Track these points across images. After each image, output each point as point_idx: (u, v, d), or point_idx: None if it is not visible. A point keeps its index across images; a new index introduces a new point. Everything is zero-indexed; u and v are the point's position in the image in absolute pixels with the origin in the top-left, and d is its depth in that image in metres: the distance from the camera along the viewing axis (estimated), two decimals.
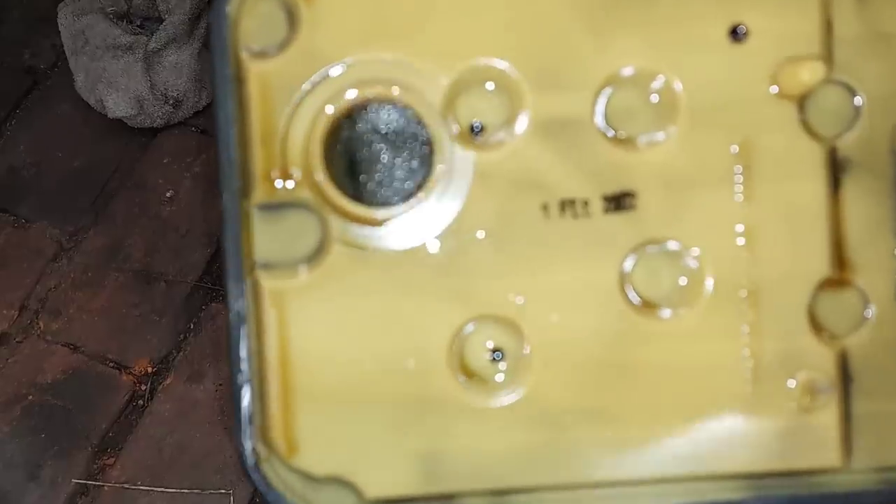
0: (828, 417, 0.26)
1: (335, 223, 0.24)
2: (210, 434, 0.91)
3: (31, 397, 0.92)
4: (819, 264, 0.26)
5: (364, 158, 0.24)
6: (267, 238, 0.23)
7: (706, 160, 0.25)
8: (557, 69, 0.24)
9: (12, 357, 0.94)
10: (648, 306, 0.25)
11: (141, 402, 0.93)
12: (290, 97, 0.24)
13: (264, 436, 0.24)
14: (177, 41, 1.05)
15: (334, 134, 0.24)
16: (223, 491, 0.88)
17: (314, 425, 0.24)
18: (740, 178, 0.25)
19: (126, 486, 0.88)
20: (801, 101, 0.25)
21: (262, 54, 0.24)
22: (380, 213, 0.24)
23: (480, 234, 0.25)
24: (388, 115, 0.23)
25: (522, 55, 0.24)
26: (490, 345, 0.25)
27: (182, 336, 0.96)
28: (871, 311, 0.26)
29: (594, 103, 0.24)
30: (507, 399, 0.25)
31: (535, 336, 0.25)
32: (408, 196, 0.24)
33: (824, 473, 0.26)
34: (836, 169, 0.25)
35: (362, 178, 0.24)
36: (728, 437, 0.26)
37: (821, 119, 0.25)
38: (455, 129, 0.24)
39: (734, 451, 0.26)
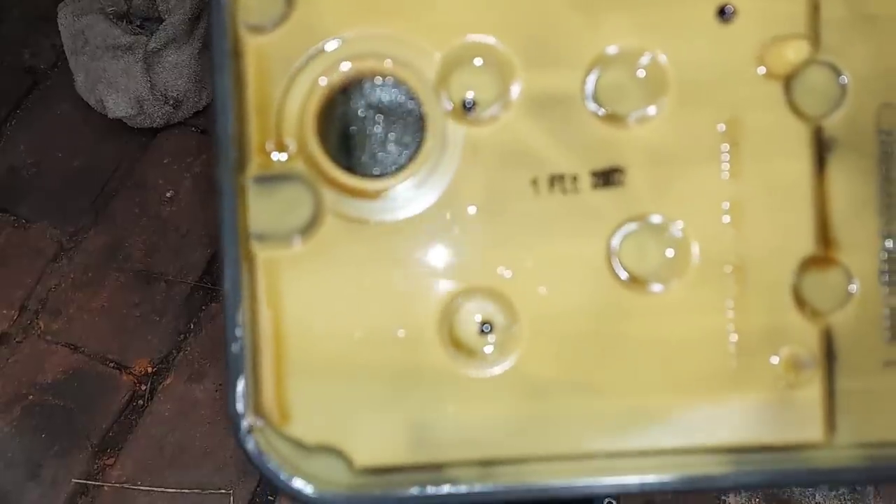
0: (812, 393, 0.26)
1: (329, 195, 0.25)
2: (210, 434, 0.91)
3: (31, 397, 0.92)
4: (804, 242, 0.26)
5: (358, 132, 0.25)
6: (262, 210, 0.24)
7: (694, 138, 0.25)
8: (548, 47, 0.25)
9: (13, 357, 0.95)
10: (635, 281, 0.26)
11: (141, 401, 0.93)
12: (286, 71, 0.25)
13: (257, 404, 0.25)
14: (177, 41, 1.05)
15: (329, 108, 0.24)
16: (223, 491, 0.88)
17: (306, 394, 0.25)
18: (727, 157, 0.26)
19: (126, 485, 0.89)
20: (788, 81, 0.26)
21: (259, 29, 0.24)
22: (372, 186, 0.25)
23: (471, 208, 0.25)
24: (382, 89, 0.24)
25: (514, 33, 0.25)
26: (479, 317, 0.26)
27: (182, 336, 0.97)
28: (854, 289, 0.26)
29: (584, 80, 0.25)
30: (495, 370, 0.26)
31: (523, 309, 0.26)
32: (400, 169, 0.25)
33: (808, 449, 0.26)
34: (822, 148, 0.26)
35: (356, 151, 0.25)
36: (712, 411, 0.26)
37: (807, 99, 0.25)
38: (448, 104, 0.25)
39: (718, 425, 0.26)
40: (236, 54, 0.24)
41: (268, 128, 0.24)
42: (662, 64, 0.25)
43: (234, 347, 0.24)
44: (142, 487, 0.89)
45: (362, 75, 0.24)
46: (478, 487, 0.25)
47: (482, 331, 0.25)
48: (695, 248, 0.25)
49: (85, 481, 0.89)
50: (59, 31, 1.06)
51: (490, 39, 0.25)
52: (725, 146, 0.25)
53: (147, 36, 1.04)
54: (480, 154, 0.25)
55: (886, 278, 0.26)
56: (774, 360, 0.26)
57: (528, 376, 0.25)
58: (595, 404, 0.25)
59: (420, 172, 0.24)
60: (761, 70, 0.25)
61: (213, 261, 1.01)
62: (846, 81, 0.26)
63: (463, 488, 0.25)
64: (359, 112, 0.24)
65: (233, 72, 0.24)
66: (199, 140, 1.09)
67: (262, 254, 0.24)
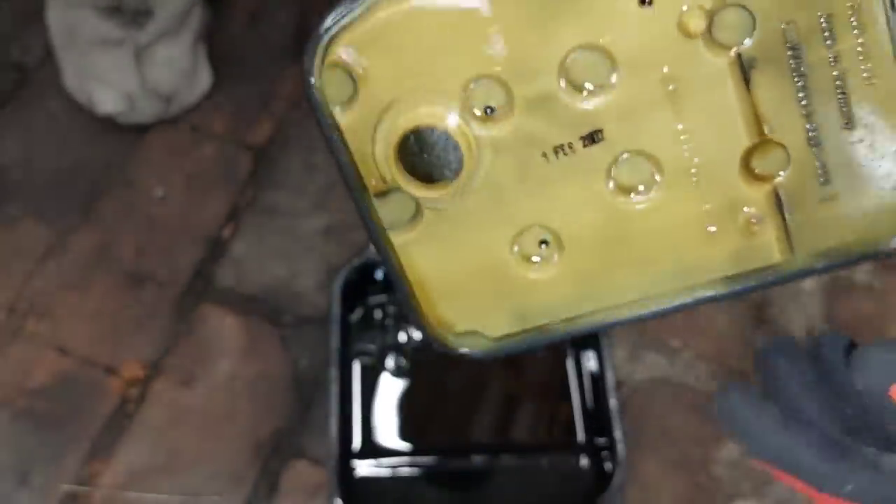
0: (771, 232, 0.40)
1: (420, 197, 0.40)
2: (202, 439, 0.94)
3: (19, 402, 0.95)
4: (744, 137, 0.39)
5: (423, 160, 0.40)
6: (385, 212, 0.40)
7: (645, 94, 0.37)
8: (527, 65, 0.38)
9: (0, 360, 0.97)
10: (629, 195, 0.40)
11: (131, 406, 0.96)
12: (368, 132, 0.39)
13: (423, 316, 0.43)
14: (168, 35, 1.07)
15: (403, 146, 0.39)
16: (215, 497, 0.91)
17: (448, 306, 0.43)
18: (673, 98, 0.38)
19: (117, 491, 0.91)
20: (709, 26, 0.36)
21: (343, 107, 0.39)
22: (442, 188, 0.39)
23: (508, 179, 0.40)
24: (429, 132, 0.39)
25: (503, 64, 0.38)
26: (537, 238, 0.42)
27: (173, 339, 0.99)
28: (791, 154, 0.39)
29: (558, 78, 0.38)
30: (554, 269, 0.42)
31: (561, 230, 0.41)
32: (456, 173, 0.40)
33: (777, 267, 0.41)
34: (745, 68, 0.37)
35: (423, 169, 0.40)
36: (704, 261, 0.41)
37: (725, 34, 0.36)
38: (478, 112, 0.39)
39: (709, 268, 0.41)
40: (336, 129, 0.39)
41: (370, 169, 0.40)
42: (609, 49, 0.37)
43: (401, 284, 0.42)
44: (132, 493, 0.92)
45: (414, 125, 0.39)
46: (565, 331, 0.43)
47: (542, 245, 0.42)
48: (665, 166, 0.39)
49: (75, 487, 0.91)
50: (48, 26, 1.08)
51: (491, 72, 0.38)
52: (671, 91, 0.38)
53: (138, 30, 1.06)
54: (504, 146, 0.39)
55: (814, 143, 0.38)
56: (737, 220, 0.40)
57: (575, 270, 0.42)
58: (622, 275, 0.42)
59: (467, 175, 0.40)
60: (684, 32, 0.37)
61: (205, 262, 1.03)
62: (755, 14, 0.36)
63: (556, 333, 0.43)
64: (419, 147, 0.40)
65: (340, 142, 0.39)
66: (191, 138, 1.11)
67: (394, 238, 0.41)
